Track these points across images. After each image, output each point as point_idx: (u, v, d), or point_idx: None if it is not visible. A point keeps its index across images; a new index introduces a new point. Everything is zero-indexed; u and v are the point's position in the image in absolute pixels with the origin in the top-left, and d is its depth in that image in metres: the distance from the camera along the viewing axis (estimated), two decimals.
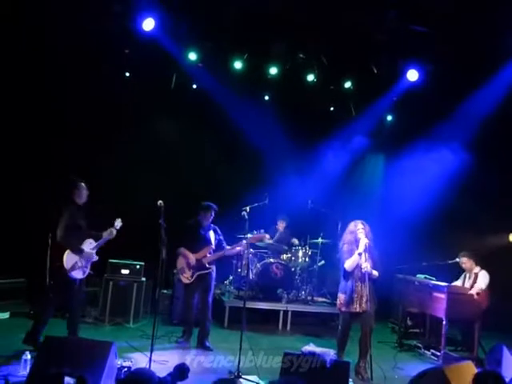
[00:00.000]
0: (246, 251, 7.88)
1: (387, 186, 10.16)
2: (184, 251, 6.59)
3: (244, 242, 6.53)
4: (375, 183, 10.37)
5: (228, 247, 6.68)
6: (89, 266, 5.93)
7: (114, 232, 6.12)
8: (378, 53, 8.20)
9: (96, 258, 6.03)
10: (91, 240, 5.99)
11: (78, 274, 5.79)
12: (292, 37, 8.04)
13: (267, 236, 6.87)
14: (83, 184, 5.99)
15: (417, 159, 9.34)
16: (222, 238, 6.74)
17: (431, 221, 9.03)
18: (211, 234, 6.65)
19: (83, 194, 5.96)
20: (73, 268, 5.72)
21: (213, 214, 6.62)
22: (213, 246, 6.59)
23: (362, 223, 5.88)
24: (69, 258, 5.70)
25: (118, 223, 6.18)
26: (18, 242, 7.99)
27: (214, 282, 6.77)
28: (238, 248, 6.61)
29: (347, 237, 5.89)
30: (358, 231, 5.80)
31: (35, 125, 8.55)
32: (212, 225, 6.72)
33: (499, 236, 8.96)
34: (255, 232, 8.42)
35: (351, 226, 5.91)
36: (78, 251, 5.78)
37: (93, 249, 5.96)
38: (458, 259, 7.18)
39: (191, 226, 6.65)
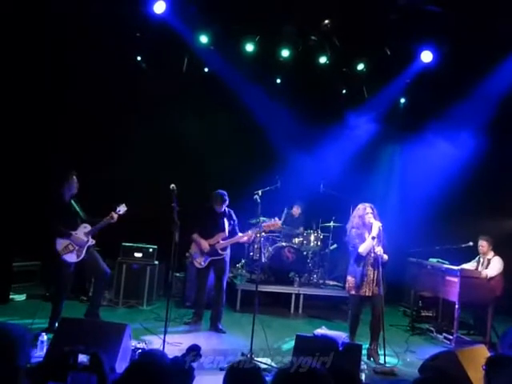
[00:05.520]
0: (258, 235, 7.89)
1: (400, 170, 10.07)
2: (197, 238, 6.61)
3: (255, 229, 6.51)
4: (387, 167, 10.28)
5: (240, 234, 6.68)
6: (84, 250, 5.88)
7: (115, 216, 6.00)
8: (392, 34, 8.05)
9: (92, 242, 5.97)
10: (86, 224, 5.97)
11: (71, 258, 5.82)
12: (304, 18, 7.93)
13: (279, 223, 6.78)
14: (74, 177, 5.96)
15: (430, 142, 9.24)
16: (236, 223, 6.73)
17: (444, 204, 8.96)
18: (225, 221, 6.63)
19: (73, 186, 5.95)
20: (64, 251, 5.78)
21: (226, 203, 6.62)
22: (226, 233, 6.59)
23: (371, 207, 5.82)
24: (58, 242, 5.80)
25: (121, 208, 6.06)
26: (32, 225, 8.07)
27: (229, 266, 6.81)
28: (250, 235, 6.58)
29: (355, 220, 5.82)
30: (367, 215, 5.76)
31: (46, 111, 8.60)
32: (227, 209, 6.71)
33: None
34: (267, 219, 8.42)
35: (360, 209, 5.84)
36: (66, 235, 5.81)
37: (87, 233, 5.93)
38: (478, 242, 7.11)
39: (205, 211, 6.67)
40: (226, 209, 6.70)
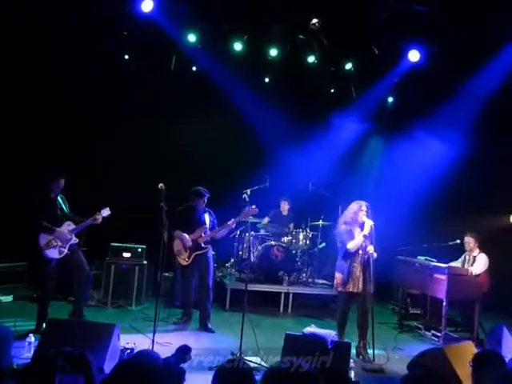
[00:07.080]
0: (247, 234, 7.91)
1: (388, 168, 10.13)
2: (179, 233, 6.64)
3: (232, 220, 6.54)
4: (376, 165, 10.34)
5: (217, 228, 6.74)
6: (67, 247, 5.88)
7: (99, 219, 6.03)
8: (379, 33, 8.06)
9: (75, 240, 5.99)
10: (70, 222, 5.98)
11: (53, 254, 5.81)
12: (292, 17, 7.92)
13: (256, 209, 6.56)
14: (63, 180, 5.97)
15: (418, 141, 9.30)
16: (215, 220, 6.84)
17: (432, 203, 9.03)
18: (206, 217, 6.73)
19: (59, 186, 5.97)
20: (47, 246, 5.77)
21: (205, 201, 6.69)
22: (207, 226, 6.67)
23: (366, 205, 5.83)
24: (42, 237, 5.79)
25: (105, 212, 6.10)
26: (19, 225, 7.99)
27: (214, 264, 6.80)
28: (229, 225, 6.60)
29: (349, 215, 5.81)
30: (361, 212, 5.77)
31: (36, 110, 8.54)
32: (206, 208, 6.79)
33: (500, 217, 8.96)
34: (256, 219, 8.44)
35: (355, 206, 5.83)
36: (49, 230, 5.80)
37: (71, 231, 5.93)
38: (465, 238, 7.15)
39: (184, 209, 6.73)
40: (205, 208, 6.77)
